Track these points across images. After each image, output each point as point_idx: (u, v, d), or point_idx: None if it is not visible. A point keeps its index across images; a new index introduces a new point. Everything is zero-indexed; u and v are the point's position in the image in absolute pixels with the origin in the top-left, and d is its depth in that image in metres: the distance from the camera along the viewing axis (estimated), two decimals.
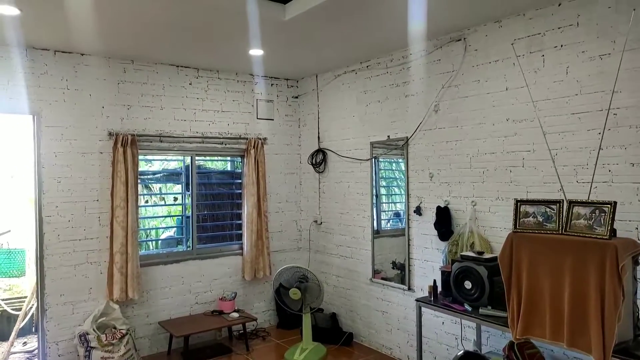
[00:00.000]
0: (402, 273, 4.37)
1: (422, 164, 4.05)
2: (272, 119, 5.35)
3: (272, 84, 5.34)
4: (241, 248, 5.12)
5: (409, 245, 4.18)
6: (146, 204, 5.12)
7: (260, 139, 5.15)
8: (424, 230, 4.04)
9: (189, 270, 4.80)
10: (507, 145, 3.40)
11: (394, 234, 4.54)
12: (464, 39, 3.67)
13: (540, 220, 2.55)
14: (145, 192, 5.14)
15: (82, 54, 4.20)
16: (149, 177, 5.03)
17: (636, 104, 2.73)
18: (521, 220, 2.63)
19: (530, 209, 2.60)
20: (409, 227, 4.18)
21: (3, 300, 5.88)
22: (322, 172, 5.21)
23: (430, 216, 3.96)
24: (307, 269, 4.43)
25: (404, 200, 4.26)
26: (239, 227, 5.17)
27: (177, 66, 4.70)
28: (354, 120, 4.76)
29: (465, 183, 3.69)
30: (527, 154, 3.27)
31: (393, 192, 4.66)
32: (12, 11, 3.13)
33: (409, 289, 4.18)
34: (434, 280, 3.28)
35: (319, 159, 5.20)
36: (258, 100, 5.24)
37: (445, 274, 3.23)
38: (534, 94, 3.20)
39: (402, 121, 4.22)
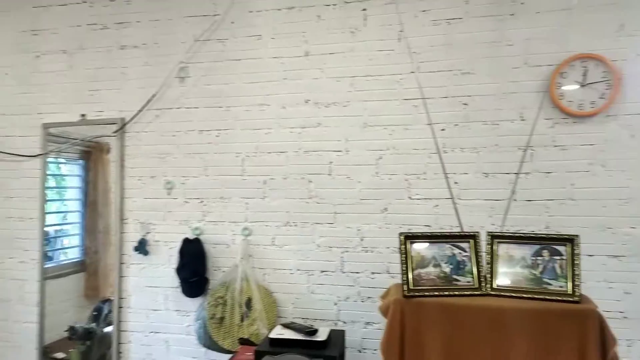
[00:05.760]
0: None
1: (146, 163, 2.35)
2: None
3: None
4: None
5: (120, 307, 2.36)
6: None
7: None
8: (150, 280, 2.34)
9: None
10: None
11: None
12: None
13: (448, 271, 1.43)
14: None
15: None
16: None
17: None
18: (415, 273, 1.44)
19: (427, 251, 1.45)
20: (120, 277, 2.37)
21: None
22: None
23: (165, 256, 2.31)
24: None
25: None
26: None
27: None
28: None
29: (232, 199, 2.27)
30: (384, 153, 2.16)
31: None
32: None
33: None
34: None
35: None
36: None
37: None
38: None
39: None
